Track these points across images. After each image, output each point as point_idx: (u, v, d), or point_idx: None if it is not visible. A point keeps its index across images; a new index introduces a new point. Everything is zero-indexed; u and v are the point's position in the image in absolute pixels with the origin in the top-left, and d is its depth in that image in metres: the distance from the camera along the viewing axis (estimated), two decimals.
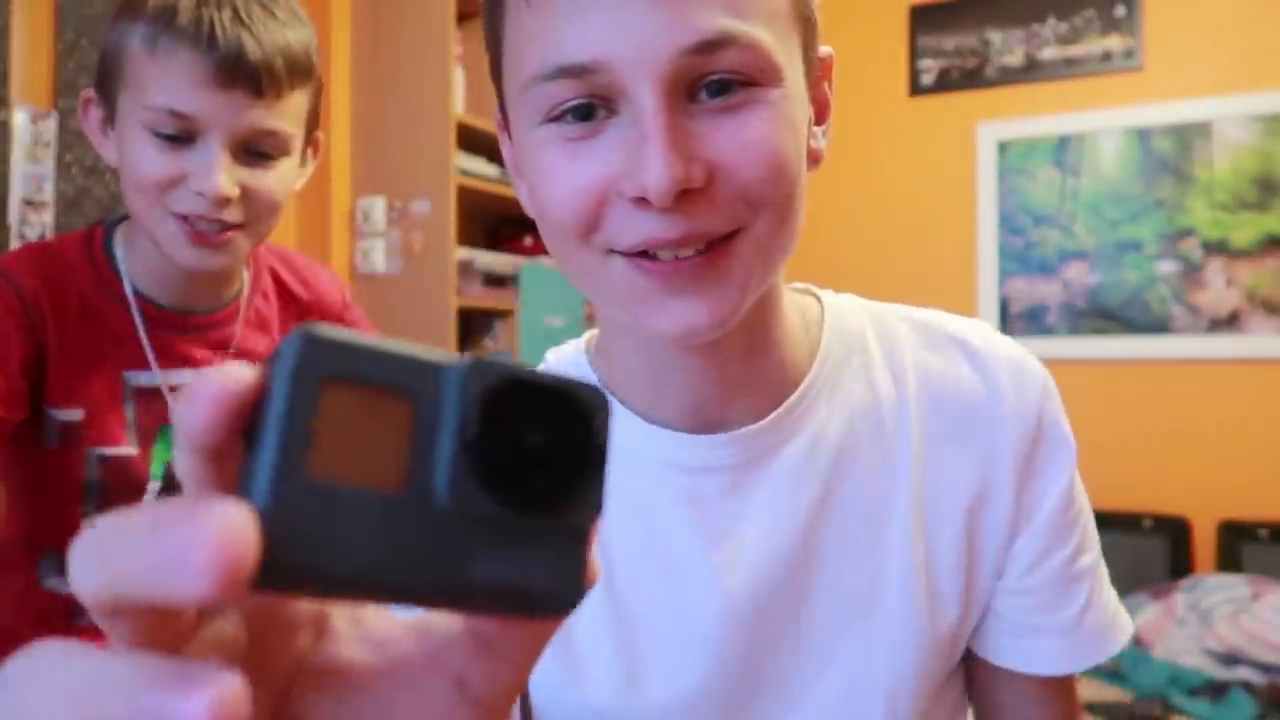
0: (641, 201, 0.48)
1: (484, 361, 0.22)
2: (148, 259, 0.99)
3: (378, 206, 2.50)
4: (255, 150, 0.91)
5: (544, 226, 0.54)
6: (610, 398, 0.28)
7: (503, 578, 0.22)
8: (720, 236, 0.50)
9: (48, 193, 1.89)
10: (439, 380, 0.22)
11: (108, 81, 0.94)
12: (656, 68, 0.47)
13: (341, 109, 2.55)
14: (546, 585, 0.23)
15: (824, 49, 0.59)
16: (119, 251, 1.00)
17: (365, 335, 0.21)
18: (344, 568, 0.21)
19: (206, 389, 0.20)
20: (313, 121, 0.99)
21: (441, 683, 0.26)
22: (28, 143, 1.86)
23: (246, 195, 0.91)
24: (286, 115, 0.92)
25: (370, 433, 0.21)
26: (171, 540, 0.18)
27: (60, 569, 1.02)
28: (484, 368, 0.22)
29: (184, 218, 0.90)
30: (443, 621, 0.26)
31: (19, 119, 1.85)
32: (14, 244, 1.82)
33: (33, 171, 1.87)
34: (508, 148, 0.59)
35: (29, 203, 1.86)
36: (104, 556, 0.20)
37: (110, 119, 0.95)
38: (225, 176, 0.88)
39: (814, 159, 0.58)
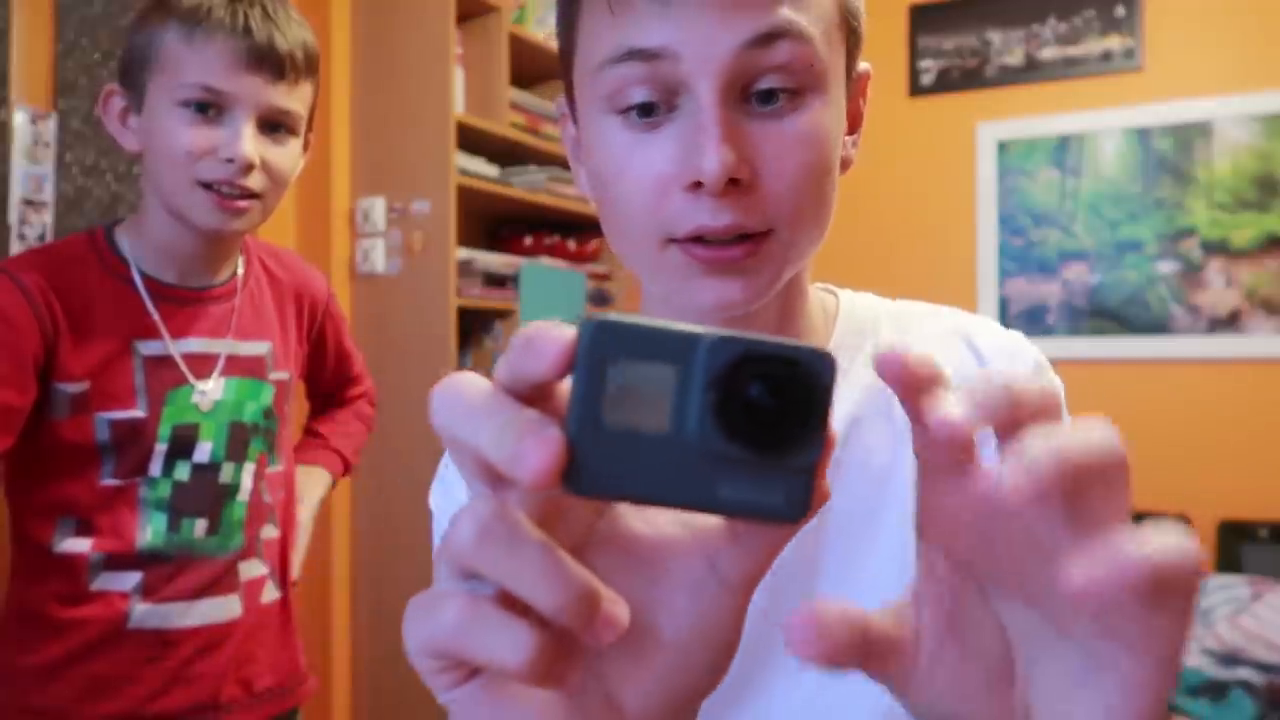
0: (696, 187, 0.54)
1: (727, 336, 0.29)
2: (153, 243, 1.12)
3: (378, 206, 2.50)
4: (273, 125, 1.08)
5: (607, 213, 0.60)
6: None
7: (744, 497, 0.30)
8: (756, 233, 0.56)
9: (48, 193, 1.89)
10: (693, 351, 0.30)
11: (135, 72, 1.08)
12: (718, 64, 0.53)
13: (341, 109, 2.55)
14: (779, 504, 0.30)
15: (863, 65, 0.64)
16: (123, 242, 1.13)
17: (638, 318, 0.30)
18: (623, 483, 0.30)
19: (548, 342, 0.29)
20: (311, 116, 1.15)
21: (699, 561, 0.33)
22: (28, 143, 1.86)
23: (264, 166, 1.07)
24: (300, 99, 1.10)
25: (644, 392, 0.30)
26: (521, 440, 0.28)
27: (76, 531, 1.07)
28: (727, 342, 0.29)
29: (209, 185, 1.05)
30: (705, 516, 0.33)
31: (19, 119, 1.85)
32: (14, 244, 1.82)
33: (33, 171, 1.86)
34: (570, 134, 0.65)
35: (29, 203, 1.86)
36: (471, 423, 0.29)
37: (133, 108, 1.09)
38: (250, 144, 1.05)
39: (844, 166, 0.63)
